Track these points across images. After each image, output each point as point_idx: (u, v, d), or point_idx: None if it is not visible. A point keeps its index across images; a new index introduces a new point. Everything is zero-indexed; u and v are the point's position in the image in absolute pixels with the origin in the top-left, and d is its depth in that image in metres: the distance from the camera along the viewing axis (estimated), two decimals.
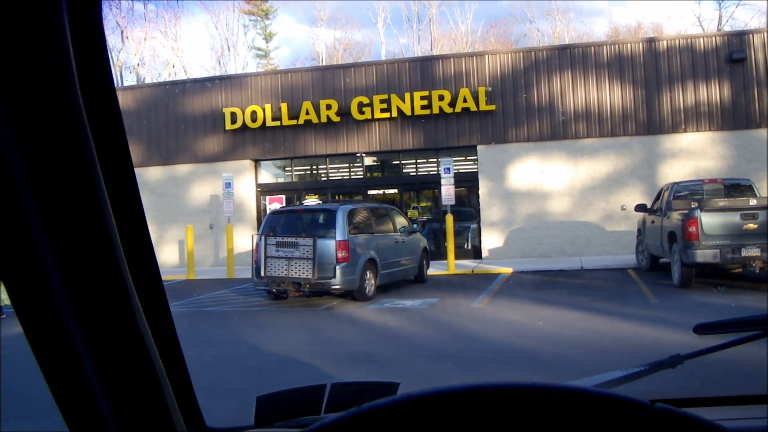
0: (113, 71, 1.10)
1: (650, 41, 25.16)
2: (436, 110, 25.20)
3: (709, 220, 14.67)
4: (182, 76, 53.11)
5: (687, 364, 1.78)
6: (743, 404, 1.77)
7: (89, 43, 1.04)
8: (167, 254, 27.08)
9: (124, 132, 1.13)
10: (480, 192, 25.28)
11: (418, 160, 27.26)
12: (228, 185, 23.76)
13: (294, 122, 26.33)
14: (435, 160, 25.64)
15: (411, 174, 27.57)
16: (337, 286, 15.12)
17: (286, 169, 28.45)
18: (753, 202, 15.16)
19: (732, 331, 1.82)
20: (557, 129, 24.67)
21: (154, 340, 1.16)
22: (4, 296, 9.49)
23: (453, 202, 22.18)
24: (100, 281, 1.05)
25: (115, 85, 1.12)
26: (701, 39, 24.65)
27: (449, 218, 22.01)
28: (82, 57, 1.01)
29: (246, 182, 27.08)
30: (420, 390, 0.80)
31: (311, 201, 18.80)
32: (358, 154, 26.74)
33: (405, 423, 0.79)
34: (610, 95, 24.49)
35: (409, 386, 1.12)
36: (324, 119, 26.06)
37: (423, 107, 25.28)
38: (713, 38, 24.66)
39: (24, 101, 0.93)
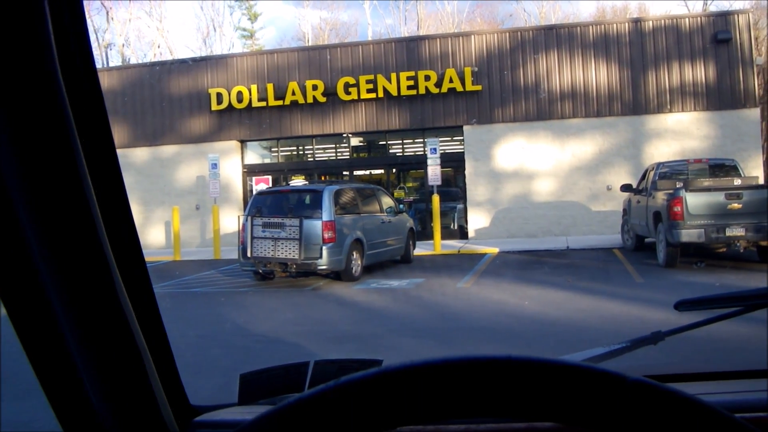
0: (98, 52, 1.10)
1: (636, 21, 25.17)
2: (422, 90, 25.16)
3: (694, 200, 14.72)
4: (168, 57, 52.83)
5: (668, 340, 1.79)
6: (723, 379, 1.78)
7: (70, 24, 1.04)
8: (153, 235, 27.03)
9: (106, 115, 1.13)
10: (466, 172, 25.29)
11: (405, 141, 27.24)
12: (214, 166, 23.68)
13: (280, 103, 26.26)
14: (421, 140, 25.60)
15: (397, 154, 27.54)
16: (324, 267, 15.12)
17: (273, 149, 28.38)
18: (738, 182, 15.24)
19: (713, 307, 1.83)
20: (543, 109, 24.68)
21: (137, 319, 1.17)
22: None
23: (439, 183, 22.20)
24: (84, 261, 1.05)
25: (100, 65, 1.12)
26: (687, 19, 24.68)
27: (435, 198, 22.02)
28: (63, 38, 1.01)
29: (232, 163, 27.00)
30: (398, 363, 0.81)
31: (298, 181, 18.81)
32: (344, 135, 26.70)
33: (383, 395, 0.79)
34: (596, 75, 24.51)
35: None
36: (310, 100, 25.99)
37: (409, 87, 25.24)
38: (699, 18, 24.69)
39: (4, 86, 0.93)
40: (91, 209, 1.03)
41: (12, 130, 0.95)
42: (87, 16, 1.09)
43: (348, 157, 27.62)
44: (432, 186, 22.29)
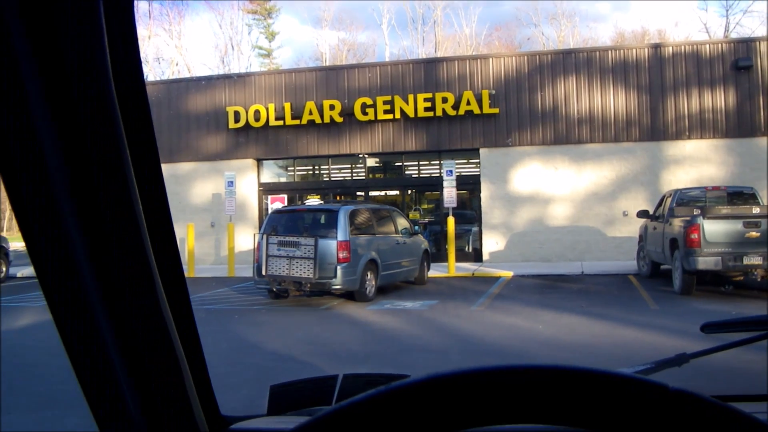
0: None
1: (656, 47, 25.17)
2: (439, 112, 25.20)
3: (711, 228, 14.67)
4: (185, 75, 53.20)
5: (693, 363, 1.78)
6: (746, 402, 1.77)
7: (122, 36, 1.05)
8: None
9: (152, 125, 1.15)
10: (482, 195, 25.29)
11: (421, 162, 27.28)
12: (230, 184, 23.77)
13: (297, 122, 26.35)
14: (437, 162, 25.66)
15: (413, 176, 27.61)
16: (338, 286, 15.13)
17: (289, 168, 28.48)
18: (756, 210, 15.16)
19: (738, 330, 1.82)
20: (560, 133, 24.67)
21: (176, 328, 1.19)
22: None
23: (455, 205, 22.18)
24: (129, 270, 1.07)
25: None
26: (707, 45, 24.65)
27: (450, 221, 22.01)
28: (115, 50, 1.02)
29: (248, 181, 27.10)
30: (445, 370, 0.81)
31: (313, 201, 18.84)
32: (360, 155, 26.75)
33: (430, 402, 0.80)
34: (615, 100, 24.49)
35: None
36: (327, 119, 26.07)
37: (426, 109, 25.29)
38: (719, 45, 24.63)
39: (62, 93, 0.94)
40: (137, 218, 1.06)
41: (67, 140, 0.96)
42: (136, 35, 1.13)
43: (364, 177, 27.66)
44: (447, 208, 22.26)
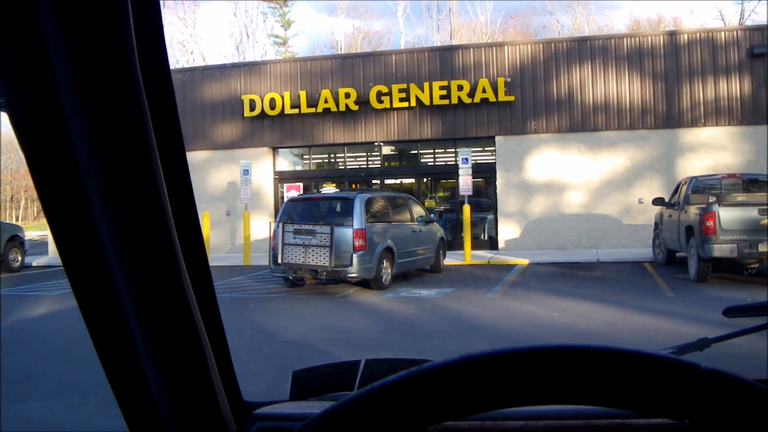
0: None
1: (671, 34, 25.03)
2: (454, 100, 25.15)
3: (726, 215, 14.62)
4: (200, 63, 53.15)
5: (714, 348, 1.80)
6: None
7: (148, 25, 1.07)
8: None
9: (177, 113, 1.16)
10: (497, 183, 25.24)
11: (436, 150, 27.25)
12: (246, 172, 23.80)
13: (312, 110, 26.34)
14: (453, 150, 25.66)
15: (429, 164, 27.57)
16: (354, 275, 15.16)
17: (304, 157, 28.48)
18: None
19: (761, 314, 1.82)
20: (576, 121, 24.58)
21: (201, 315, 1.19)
22: None
23: (470, 193, 22.16)
24: (155, 259, 1.07)
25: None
26: (722, 33, 24.51)
27: (466, 209, 21.99)
28: (142, 39, 1.03)
29: (264, 169, 27.12)
30: (475, 352, 0.82)
31: (329, 189, 18.84)
32: (376, 143, 26.73)
33: (462, 382, 0.80)
34: (630, 88, 24.38)
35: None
36: (342, 108, 26.06)
37: (442, 97, 25.24)
38: (734, 32, 24.49)
39: (91, 81, 0.95)
40: (164, 207, 1.06)
41: (95, 129, 0.97)
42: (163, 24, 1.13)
43: (379, 165, 27.64)
44: (463, 196, 22.25)
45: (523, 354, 0.82)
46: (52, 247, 26.49)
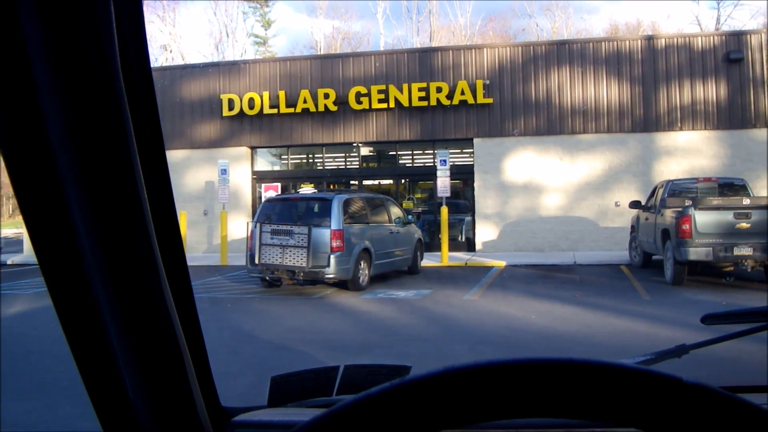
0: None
1: (648, 39, 25.18)
2: (433, 102, 25.19)
3: (702, 219, 14.72)
4: (179, 62, 52.95)
5: (692, 354, 1.81)
6: (752, 393, 1.79)
7: (130, 21, 1.06)
8: None
9: (158, 114, 1.16)
10: (475, 185, 25.29)
11: (415, 152, 27.24)
12: (224, 172, 23.72)
13: (291, 110, 26.29)
14: (431, 151, 25.66)
15: (407, 165, 27.55)
16: (331, 275, 15.14)
17: (283, 157, 28.41)
18: (746, 201, 15.21)
19: (738, 321, 1.83)
20: (554, 124, 24.68)
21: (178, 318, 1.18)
22: None
23: (448, 195, 22.20)
24: (134, 261, 1.06)
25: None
26: (699, 38, 24.71)
27: (444, 210, 22.02)
28: (123, 36, 1.03)
29: (242, 169, 27.03)
30: (461, 363, 0.82)
31: (307, 189, 18.83)
32: (354, 144, 26.73)
33: (448, 394, 0.79)
34: (608, 91, 24.51)
35: (418, 371, 1.14)
36: (321, 108, 26.02)
37: (420, 99, 25.27)
38: (711, 37, 24.70)
39: (71, 81, 0.95)
40: (143, 206, 1.05)
41: (74, 128, 0.96)
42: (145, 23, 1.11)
43: (358, 166, 27.63)
44: (441, 197, 22.29)
45: (504, 367, 0.81)
46: (27, 244, 26.31)
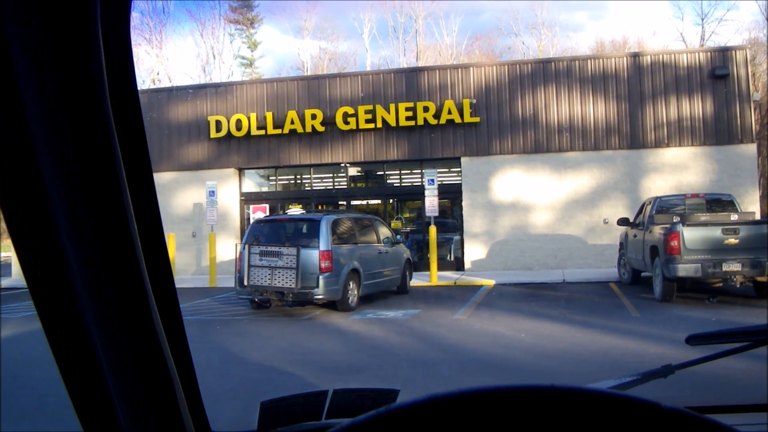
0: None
1: (634, 56, 25.34)
2: (420, 122, 25.26)
3: (690, 235, 14.75)
4: (166, 84, 53.00)
5: (678, 374, 1.80)
6: (729, 413, 1.79)
7: (117, 43, 1.06)
8: None
9: (144, 134, 1.15)
10: (463, 204, 25.34)
11: (402, 171, 27.30)
12: (212, 193, 23.69)
13: (279, 131, 26.32)
14: (419, 171, 25.68)
15: (395, 185, 27.61)
16: (320, 296, 15.11)
17: (270, 178, 28.43)
18: (734, 217, 15.28)
19: (723, 341, 1.83)
20: (541, 142, 24.76)
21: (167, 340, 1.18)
22: None
23: (436, 214, 22.21)
24: (121, 281, 1.06)
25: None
26: (684, 55, 24.84)
27: (432, 229, 22.02)
28: (111, 58, 1.03)
29: (230, 191, 27.02)
30: (446, 391, 0.82)
31: (295, 210, 18.86)
32: (342, 164, 26.75)
33: (434, 422, 0.80)
34: (594, 109, 24.62)
35: (406, 395, 1.14)
36: (309, 129, 26.06)
37: (408, 118, 25.33)
38: (696, 54, 24.82)
39: (58, 100, 0.95)
40: (131, 229, 1.05)
41: (62, 150, 0.97)
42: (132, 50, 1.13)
43: (346, 186, 27.67)
44: (429, 217, 22.29)
45: (487, 394, 0.81)
46: (16, 267, 26.23)
